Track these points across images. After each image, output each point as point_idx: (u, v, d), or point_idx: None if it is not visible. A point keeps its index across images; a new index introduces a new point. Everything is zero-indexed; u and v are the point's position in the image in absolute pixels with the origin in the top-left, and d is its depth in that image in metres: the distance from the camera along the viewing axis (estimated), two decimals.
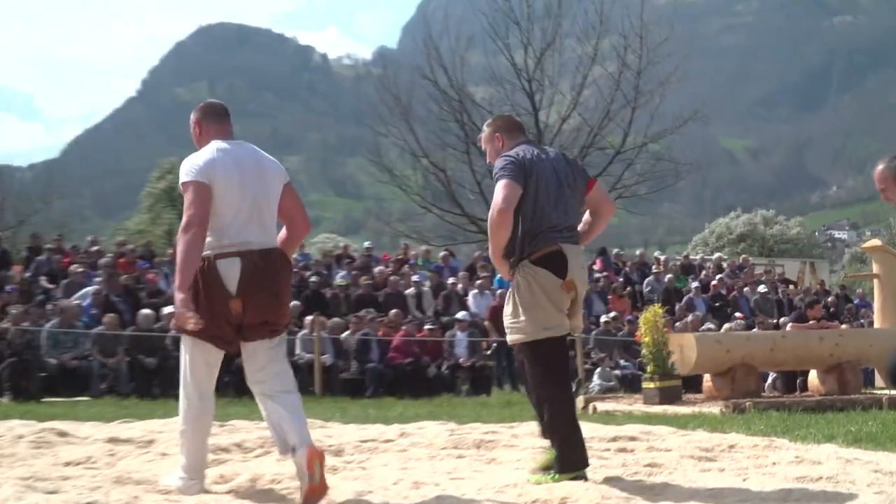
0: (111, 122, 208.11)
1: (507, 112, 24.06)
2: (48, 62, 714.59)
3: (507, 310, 4.48)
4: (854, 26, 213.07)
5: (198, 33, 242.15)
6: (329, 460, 5.09)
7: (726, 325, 15.25)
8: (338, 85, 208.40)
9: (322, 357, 13.15)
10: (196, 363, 4.13)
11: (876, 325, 14.46)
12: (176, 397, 4.32)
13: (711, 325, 15.50)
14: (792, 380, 12.63)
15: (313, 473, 3.93)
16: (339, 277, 16.20)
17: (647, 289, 18.21)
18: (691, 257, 23.47)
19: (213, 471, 4.44)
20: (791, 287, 20.66)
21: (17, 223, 35.44)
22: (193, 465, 4.17)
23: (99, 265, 14.96)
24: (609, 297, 17.13)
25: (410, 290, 16.01)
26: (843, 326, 15.18)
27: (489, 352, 14.85)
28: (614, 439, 5.97)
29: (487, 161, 4.81)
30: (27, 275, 15.08)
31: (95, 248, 16.61)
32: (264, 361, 4.21)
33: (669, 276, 18.70)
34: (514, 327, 4.44)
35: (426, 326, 14.38)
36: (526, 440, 5.85)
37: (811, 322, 12.55)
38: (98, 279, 14.21)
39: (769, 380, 13.09)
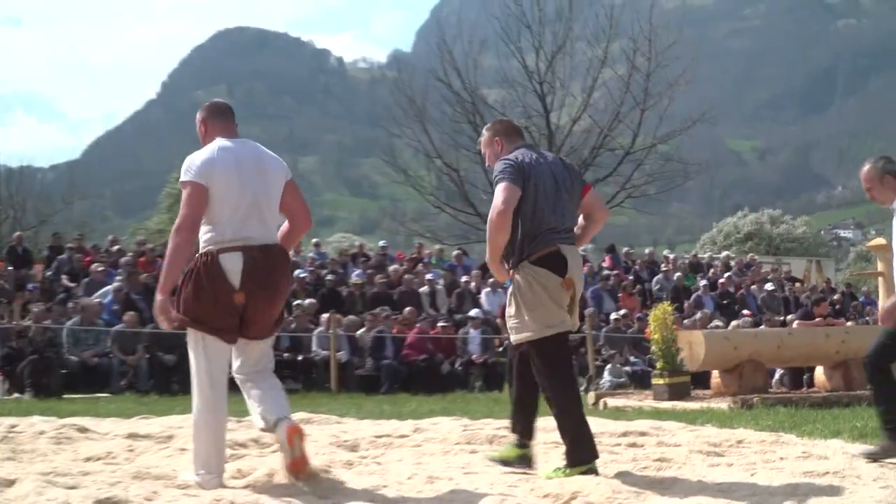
0: (131, 124, 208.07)
1: (518, 114, 24.38)
2: (70, 66, 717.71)
3: (510, 310, 4.54)
4: (858, 29, 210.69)
5: (217, 37, 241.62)
6: (344, 455, 5.28)
7: (734, 323, 15.32)
8: (353, 88, 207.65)
9: (338, 354, 13.26)
10: (205, 358, 4.16)
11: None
12: None
13: (719, 323, 15.51)
14: (799, 376, 12.68)
15: (293, 448, 4.08)
16: (355, 276, 16.33)
17: (657, 287, 18.28)
18: (699, 256, 23.55)
19: (231, 466, 4.47)
20: (797, 285, 20.70)
21: (38, 223, 35.61)
22: (211, 459, 4.15)
23: (119, 264, 15.13)
24: (619, 294, 17.24)
25: (424, 289, 16.12)
26: (849, 323, 15.17)
27: (501, 348, 14.89)
28: (625, 434, 6.08)
29: (486, 164, 4.90)
30: (49, 273, 15.30)
31: (116, 247, 16.82)
32: (258, 357, 4.34)
33: (678, 274, 18.79)
34: (518, 326, 4.50)
35: (440, 324, 14.46)
36: (538, 436, 5.97)
37: (817, 319, 12.63)
38: (118, 278, 14.34)
39: (776, 376, 13.11)
